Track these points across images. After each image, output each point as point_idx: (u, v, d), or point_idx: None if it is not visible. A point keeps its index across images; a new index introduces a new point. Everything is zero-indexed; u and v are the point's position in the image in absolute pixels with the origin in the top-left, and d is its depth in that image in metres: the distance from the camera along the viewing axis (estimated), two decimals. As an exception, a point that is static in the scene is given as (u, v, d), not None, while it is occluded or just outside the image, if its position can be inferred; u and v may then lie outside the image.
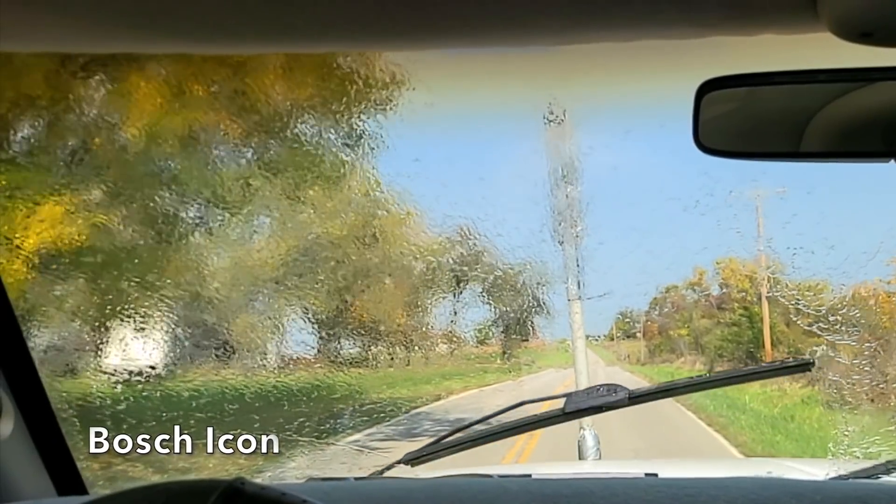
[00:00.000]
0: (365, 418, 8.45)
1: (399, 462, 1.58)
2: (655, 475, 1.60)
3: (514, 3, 0.89)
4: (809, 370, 1.10)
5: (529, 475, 1.57)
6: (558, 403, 1.37)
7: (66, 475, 1.45)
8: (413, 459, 1.52)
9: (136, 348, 5.65)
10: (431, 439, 1.58)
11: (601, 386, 1.25)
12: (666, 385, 1.20)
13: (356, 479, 1.56)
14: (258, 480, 0.80)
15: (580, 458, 4.75)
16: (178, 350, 6.12)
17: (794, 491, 1.10)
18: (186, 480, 0.92)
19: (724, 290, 15.37)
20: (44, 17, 0.99)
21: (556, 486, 1.23)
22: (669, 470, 1.87)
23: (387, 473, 1.63)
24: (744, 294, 14.45)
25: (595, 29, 0.95)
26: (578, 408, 1.27)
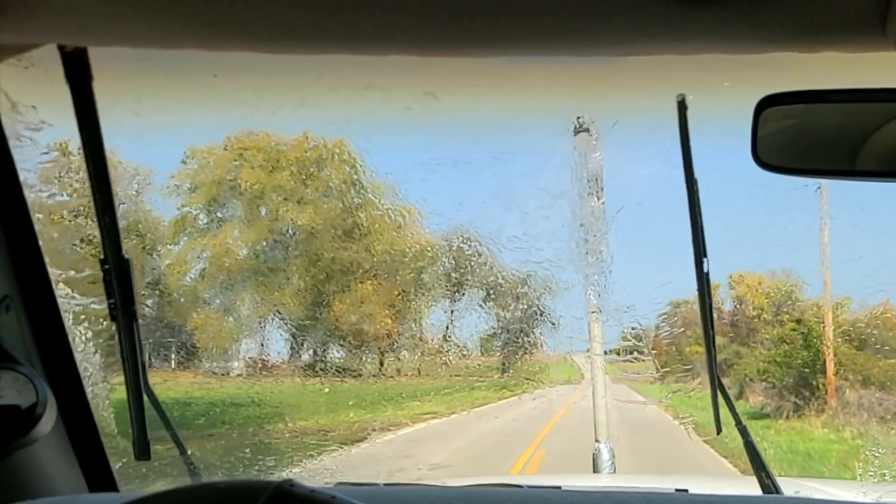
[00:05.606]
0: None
1: None
2: (686, 491, 1.58)
3: (580, 14, 0.89)
4: None
5: (559, 487, 1.56)
6: None
7: (98, 472, 1.45)
8: None
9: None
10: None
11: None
12: None
13: (386, 484, 1.55)
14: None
15: (595, 472, 4.69)
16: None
17: None
18: (235, 480, 0.91)
19: (740, 306, 14.43)
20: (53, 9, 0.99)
21: (596, 499, 1.22)
22: (695, 485, 1.85)
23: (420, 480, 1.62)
24: (759, 311, 13.76)
25: (661, 42, 0.94)
26: None
